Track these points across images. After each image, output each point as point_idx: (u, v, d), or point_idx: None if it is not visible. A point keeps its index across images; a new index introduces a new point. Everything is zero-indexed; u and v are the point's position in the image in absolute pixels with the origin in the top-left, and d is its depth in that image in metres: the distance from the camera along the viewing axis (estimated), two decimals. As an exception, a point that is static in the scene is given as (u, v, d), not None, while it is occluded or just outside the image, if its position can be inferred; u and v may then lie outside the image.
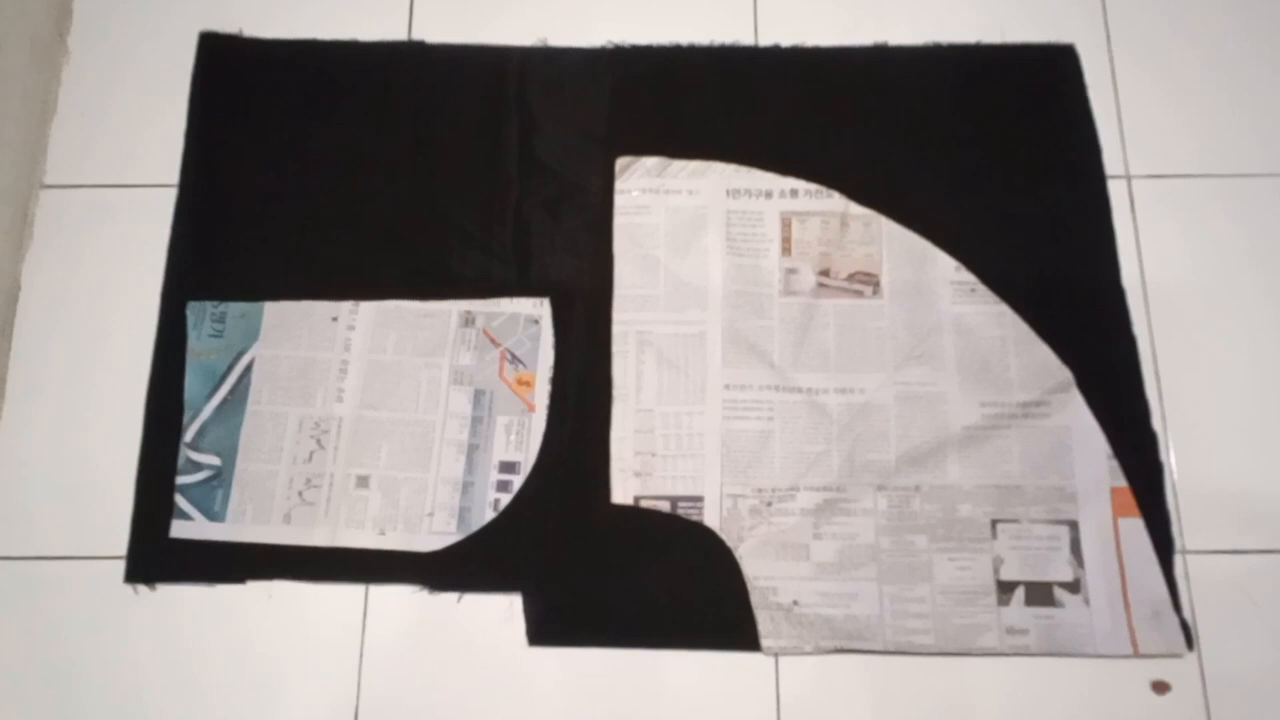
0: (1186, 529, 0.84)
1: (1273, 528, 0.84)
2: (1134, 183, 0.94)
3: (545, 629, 0.81)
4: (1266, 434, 0.86)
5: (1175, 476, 0.85)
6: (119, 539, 0.85)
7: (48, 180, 0.96)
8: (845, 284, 0.91)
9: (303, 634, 0.82)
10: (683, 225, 0.93)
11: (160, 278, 0.92)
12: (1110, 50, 0.98)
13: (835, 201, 0.93)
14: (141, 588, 0.84)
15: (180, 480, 0.86)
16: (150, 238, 0.93)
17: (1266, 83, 0.97)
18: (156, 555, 0.84)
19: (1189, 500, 0.84)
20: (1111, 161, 0.94)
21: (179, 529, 0.85)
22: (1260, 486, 0.85)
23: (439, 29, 1.00)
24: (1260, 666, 0.80)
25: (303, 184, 0.95)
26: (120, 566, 0.84)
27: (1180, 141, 0.95)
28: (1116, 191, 0.93)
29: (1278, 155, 0.94)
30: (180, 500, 0.85)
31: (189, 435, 0.87)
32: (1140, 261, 0.91)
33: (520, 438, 0.87)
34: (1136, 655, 0.80)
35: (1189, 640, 0.80)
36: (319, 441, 0.87)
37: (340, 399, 0.88)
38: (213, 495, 0.85)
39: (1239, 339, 0.89)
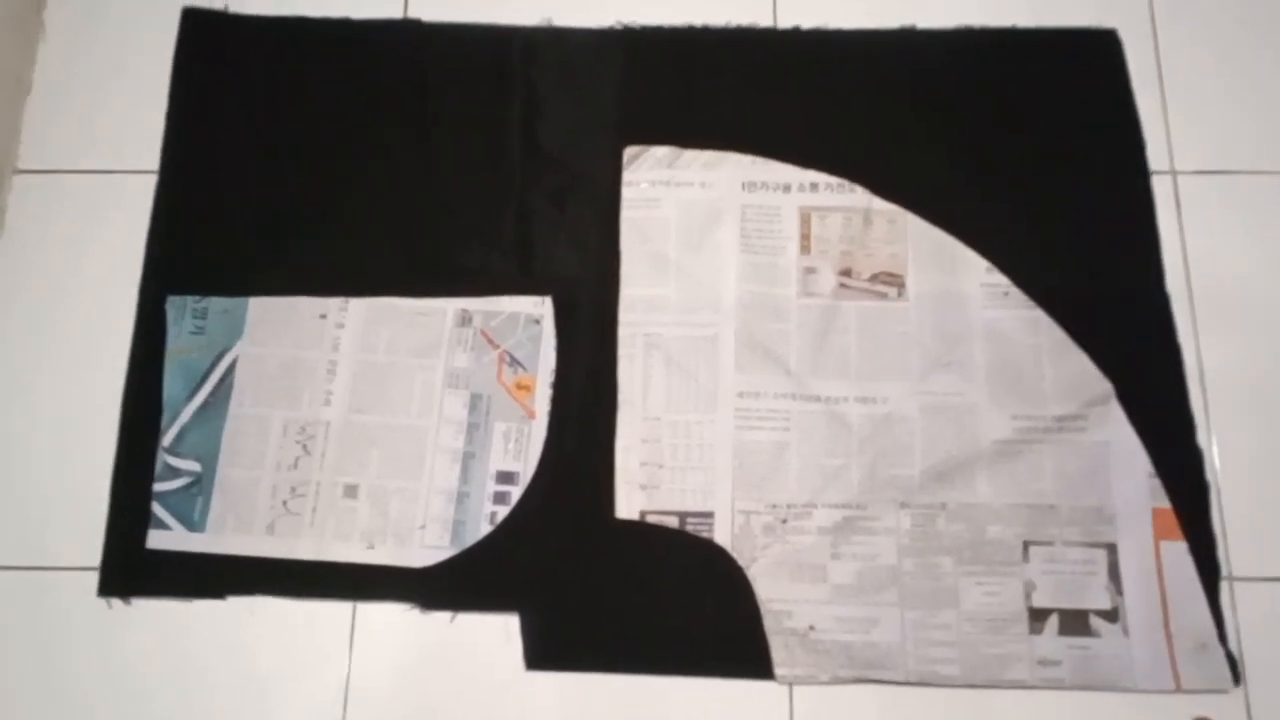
0: (1233, 554, 0.79)
1: (1327, 554, 0.79)
2: (1180, 179, 0.89)
3: (544, 652, 0.78)
4: (1321, 452, 0.81)
5: (1222, 497, 0.80)
6: (92, 549, 0.81)
7: (20, 165, 0.92)
8: (868, 285, 0.86)
9: (286, 654, 0.78)
10: (695, 220, 0.89)
11: (138, 270, 0.88)
12: (1155, 34, 0.94)
13: (858, 196, 0.89)
14: (116, 601, 0.80)
15: (158, 487, 0.82)
16: (128, 227, 0.89)
17: (1325, 72, 0.91)
18: (132, 567, 0.80)
19: (1236, 523, 0.80)
20: (1156, 155, 0.90)
21: (156, 539, 0.81)
22: (1314, 509, 0.80)
23: (437, 6, 0.96)
24: (1313, 706, 0.75)
25: (291, 172, 0.91)
26: (93, 579, 0.80)
27: (1230, 134, 0.90)
28: (1161, 188, 0.89)
29: (1337, 150, 0.89)
30: (158, 509, 0.81)
31: (167, 439, 0.83)
32: (1186, 264, 0.87)
33: (519, 446, 0.82)
34: (1179, 690, 0.75)
35: (1235, 675, 0.76)
36: (305, 447, 0.83)
37: (328, 402, 0.84)
38: (192, 504, 0.81)
39: (1293, 350, 0.84)
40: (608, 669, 0.77)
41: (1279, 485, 0.80)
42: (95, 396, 0.84)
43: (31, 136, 0.92)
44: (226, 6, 0.95)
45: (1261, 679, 0.76)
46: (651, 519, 0.81)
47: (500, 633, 0.78)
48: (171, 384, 0.84)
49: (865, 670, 0.76)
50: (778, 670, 0.76)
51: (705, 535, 0.80)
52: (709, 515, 0.81)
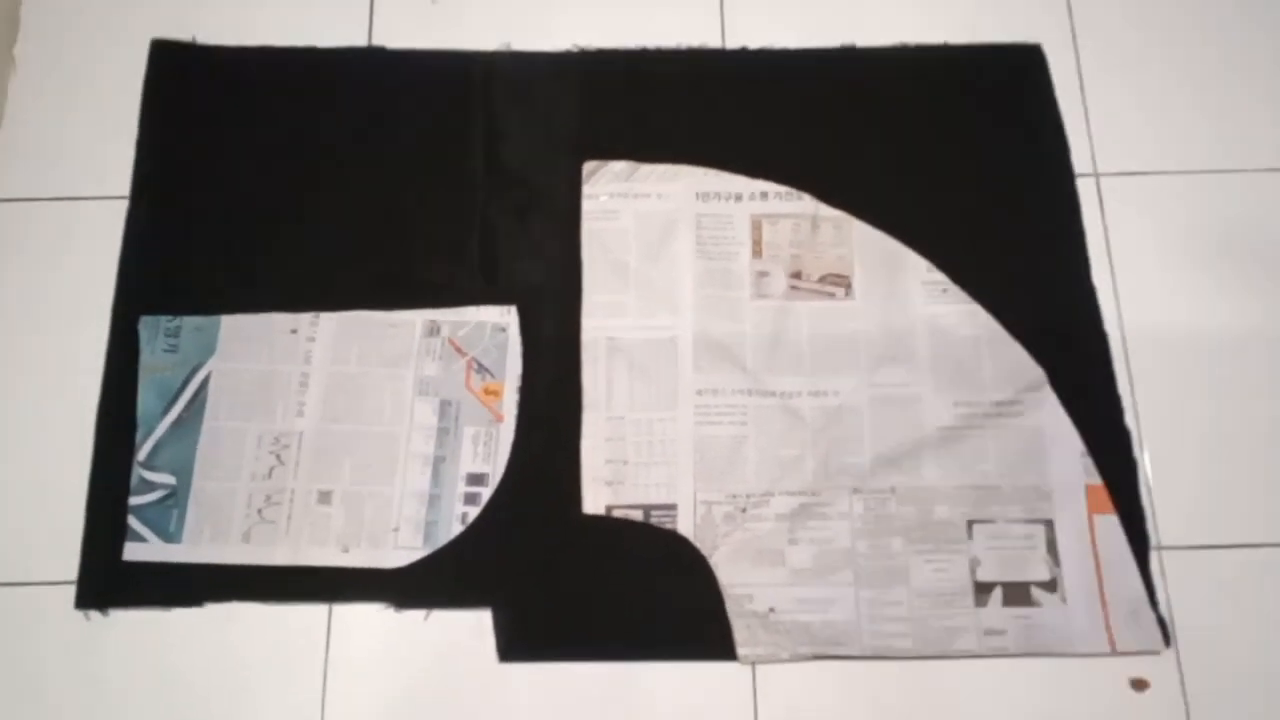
0: (1162, 525, 0.83)
1: (1247, 521, 0.84)
2: (1102, 180, 0.94)
3: (516, 644, 0.80)
4: (1238, 428, 0.86)
5: (1149, 473, 0.85)
6: (69, 563, 0.82)
7: (-7, 193, 0.93)
8: (817, 286, 0.90)
9: (264, 657, 0.80)
10: (652, 229, 0.92)
11: (110, 293, 0.89)
12: (1076, 49, 0.99)
13: (805, 203, 0.93)
14: (93, 613, 0.81)
15: (133, 500, 0.83)
16: (101, 252, 0.90)
17: (1230, 79, 0.98)
18: (109, 579, 0.81)
19: (1163, 496, 0.84)
20: (1080, 159, 0.95)
21: (132, 551, 0.82)
22: (1233, 480, 0.85)
23: (400, 34, 0.99)
24: (1238, 661, 0.80)
25: (260, 194, 0.93)
26: (70, 592, 0.81)
27: (1147, 138, 0.96)
28: (1085, 189, 0.94)
29: (1244, 151, 0.95)
30: (133, 521, 0.82)
31: (142, 453, 0.84)
32: (1110, 258, 0.92)
33: (488, 449, 0.85)
34: (1114, 653, 0.79)
35: (1166, 637, 0.80)
36: (279, 457, 0.85)
37: (301, 413, 0.86)
38: (168, 515, 0.83)
39: (1209, 334, 0.89)
40: (578, 658, 0.79)
41: (1202, 460, 0.85)
42: (70, 415, 0.85)
43: (4, 167, 0.93)
44: (195, 38, 0.97)
45: (1191, 640, 0.80)
46: (617, 513, 0.83)
47: (474, 627, 0.80)
48: (145, 400, 0.85)
49: (824, 647, 0.79)
50: (740, 651, 0.79)
51: (669, 526, 0.83)
52: (672, 507, 0.84)
